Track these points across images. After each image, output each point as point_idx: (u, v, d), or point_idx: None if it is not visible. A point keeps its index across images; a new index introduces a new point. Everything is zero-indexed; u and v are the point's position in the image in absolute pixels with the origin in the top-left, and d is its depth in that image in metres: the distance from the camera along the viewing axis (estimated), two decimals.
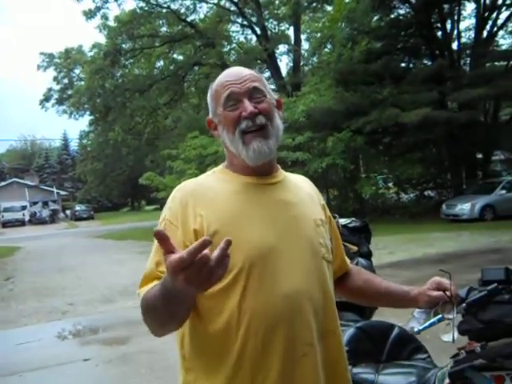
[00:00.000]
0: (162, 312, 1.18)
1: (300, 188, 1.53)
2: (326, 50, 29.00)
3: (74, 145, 68.46)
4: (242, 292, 1.28)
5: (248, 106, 1.37)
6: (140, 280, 1.34)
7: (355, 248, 2.56)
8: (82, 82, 32.84)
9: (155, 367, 5.11)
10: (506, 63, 21.29)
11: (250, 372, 1.27)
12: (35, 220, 48.17)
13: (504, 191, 17.95)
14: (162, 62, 31.58)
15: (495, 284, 1.48)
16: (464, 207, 17.40)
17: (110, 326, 7.07)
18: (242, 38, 32.25)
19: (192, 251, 0.97)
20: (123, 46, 28.73)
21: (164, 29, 29.53)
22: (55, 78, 36.69)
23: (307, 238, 1.40)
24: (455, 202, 18.26)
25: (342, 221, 2.56)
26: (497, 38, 23.58)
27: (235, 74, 1.43)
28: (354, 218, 2.74)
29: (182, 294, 1.08)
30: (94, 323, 7.32)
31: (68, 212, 54.64)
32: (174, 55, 31.26)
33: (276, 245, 1.33)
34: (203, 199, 1.36)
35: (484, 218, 17.07)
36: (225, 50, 29.64)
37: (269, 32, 28.98)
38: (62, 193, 58.00)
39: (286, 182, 1.49)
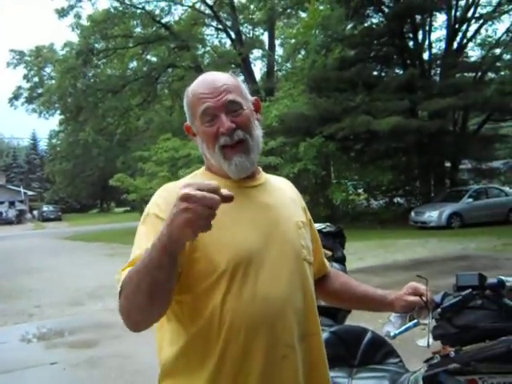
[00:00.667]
0: (144, 285, 1.09)
1: (281, 190, 1.54)
2: (300, 56, 29.19)
3: (43, 144, 67.53)
4: (224, 293, 1.27)
5: (225, 122, 1.34)
6: (122, 267, 1.25)
7: (329, 253, 2.58)
8: (53, 81, 32.38)
9: (124, 371, 5.04)
10: (474, 74, 21.81)
11: (231, 374, 1.27)
12: (1, 220, 47.18)
13: (471, 199, 18.33)
14: (135, 63, 31.40)
15: (469, 290, 1.51)
16: (432, 215, 17.69)
17: (78, 328, 6.95)
18: (216, 42, 32.34)
19: (208, 187, 1.01)
20: (96, 45, 28.47)
21: (138, 30, 29.36)
22: (25, 76, 36.16)
23: (289, 240, 1.41)
24: (423, 210, 18.56)
25: (317, 225, 2.55)
26: (466, 50, 24.15)
27: (210, 85, 1.38)
28: (328, 223, 2.76)
29: (173, 246, 1.05)
30: (61, 326, 7.18)
31: (35, 212, 53.63)
32: (148, 56, 31.11)
33: (259, 248, 1.33)
34: None
35: (451, 225, 17.38)
36: (199, 52, 29.61)
37: (243, 36, 29.09)
38: (30, 193, 56.96)
39: (268, 185, 1.50)
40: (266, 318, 1.29)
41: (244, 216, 1.36)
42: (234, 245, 1.30)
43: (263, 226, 1.37)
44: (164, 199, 1.34)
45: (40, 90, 35.44)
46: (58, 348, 6.19)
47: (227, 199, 1.04)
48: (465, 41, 22.86)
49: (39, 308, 8.47)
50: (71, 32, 28.60)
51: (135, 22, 28.78)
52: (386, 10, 22.21)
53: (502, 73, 22.30)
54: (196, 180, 1.44)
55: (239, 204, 1.35)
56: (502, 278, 1.53)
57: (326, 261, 1.73)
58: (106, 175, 39.80)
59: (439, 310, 1.51)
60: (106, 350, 5.76)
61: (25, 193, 54.50)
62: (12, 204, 51.38)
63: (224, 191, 1.04)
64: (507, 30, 22.31)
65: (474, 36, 23.35)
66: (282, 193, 1.52)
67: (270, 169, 18.43)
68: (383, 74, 23.50)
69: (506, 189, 20.88)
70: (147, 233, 1.28)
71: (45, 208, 51.02)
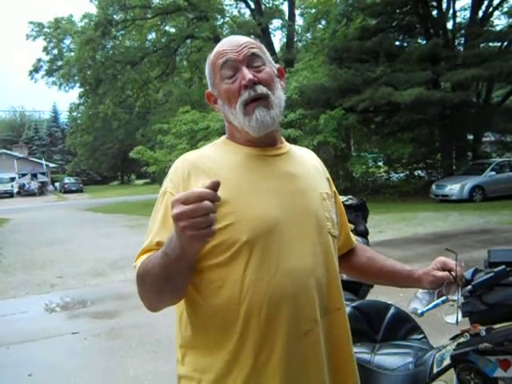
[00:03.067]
0: (161, 276, 1.15)
1: (306, 161, 1.48)
2: (321, 26, 28.78)
3: (63, 117, 67.79)
4: (245, 265, 1.23)
5: (247, 74, 1.30)
6: (137, 253, 1.28)
7: (352, 226, 2.52)
8: (72, 53, 32.27)
9: (145, 341, 5.09)
10: (500, 44, 21.22)
11: (253, 350, 1.24)
12: (24, 192, 47.81)
13: (493, 173, 18.04)
14: (153, 35, 31.17)
15: (503, 266, 1.45)
16: (453, 188, 17.46)
17: (99, 299, 7.03)
18: (235, 12, 31.88)
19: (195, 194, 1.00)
20: (114, 16, 28.26)
21: (156, 0, 29.02)
22: (45, 49, 35.97)
23: (313, 212, 1.36)
24: (445, 183, 18.32)
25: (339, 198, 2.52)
26: (492, 19, 23.46)
27: (232, 41, 1.37)
28: (350, 196, 2.71)
29: (182, 250, 1.07)
30: (83, 296, 7.27)
31: (57, 184, 54.25)
32: (166, 27, 30.82)
33: (281, 218, 1.28)
34: (206, 170, 1.31)
35: (473, 198, 17.15)
36: (218, 23, 29.22)
37: (263, 6, 28.61)
38: (51, 165, 57.45)
39: (292, 155, 1.44)
40: (289, 291, 1.25)
41: (266, 185, 1.31)
42: (254, 215, 1.26)
43: (286, 196, 1.32)
44: (180, 172, 1.32)
45: (60, 63, 35.37)
46: (79, 318, 6.28)
47: (215, 187, 1.02)
48: (491, 9, 22.19)
49: (61, 279, 8.58)
50: (89, 3, 28.43)
51: None
52: None
53: None
54: (216, 149, 1.41)
55: (262, 173, 1.31)
56: None
57: (352, 235, 1.67)
58: (125, 148, 40.03)
59: (470, 286, 1.45)
60: (127, 321, 5.82)
61: (47, 165, 55.00)
62: (34, 176, 51.94)
63: (209, 183, 1.02)
64: None
65: (500, 4, 22.61)
66: (306, 163, 1.47)
67: (290, 141, 18.03)
68: (405, 44, 23.02)
69: None
70: (164, 216, 1.28)
71: (66, 180, 51.57)
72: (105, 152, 52.27)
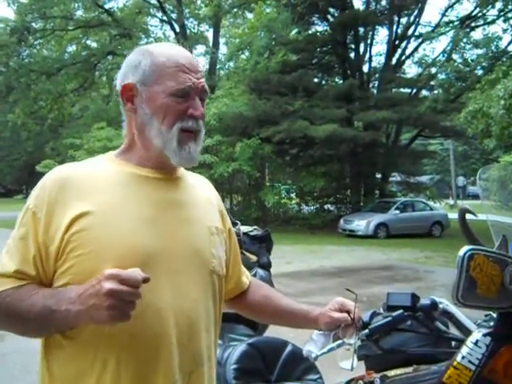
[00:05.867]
0: (34, 324, 1.09)
1: (197, 190, 1.35)
2: (243, 56, 29.19)
3: None
4: None
5: (199, 107, 1.22)
6: None
7: (254, 258, 2.45)
8: None
9: (30, 369, 4.71)
10: (410, 90, 22.56)
11: None
12: None
13: (398, 211, 18.86)
14: (73, 47, 30.33)
15: (401, 310, 1.41)
16: (360, 223, 18.04)
17: None
18: (160, 34, 31.74)
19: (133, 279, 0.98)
20: (33, 24, 27.20)
21: (79, 12, 28.37)
22: None
23: (197, 246, 1.23)
24: (352, 218, 18.91)
25: (244, 228, 2.44)
26: (404, 66, 24.99)
27: (191, 61, 1.23)
28: (256, 227, 2.63)
29: (77, 319, 1.04)
30: None
31: None
32: (88, 41, 30.13)
33: (158, 250, 1.15)
34: (78, 190, 1.15)
35: (378, 235, 17.80)
36: (141, 42, 28.89)
37: (188, 31, 28.71)
38: None
39: (185, 181, 1.32)
40: (153, 337, 1.12)
41: (146, 212, 1.18)
42: (125, 245, 1.12)
43: (167, 226, 1.19)
44: (47, 190, 1.16)
45: None
46: None
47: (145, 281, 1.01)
48: (403, 57, 23.67)
49: None
50: (7, 7, 27.24)
51: (76, 5, 27.77)
52: (331, 19, 22.55)
53: (436, 91, 23.24)
54: (97, 166, 1.25)
55: (144, 196, 1.18)
56: (436, 299, 1.43)
57: (244, 277, 1.53)
58: (33, 160, 38.16)
59: (367, 330, 1.39)
60: (11, 346, 5.37)
61: None
62: None
63: (146, 276, 1.01)
64: (443, 51, 23.24)
65: (412, 53, 24.19)
66: (197, 193, 1.34)
67: (205, 167, 18.25)
68: (323, 82, 23.94)
69: (431, 203, 21.63)
70: (23, 239, 1.14)
71: None
72: (10, 163, 49.63)
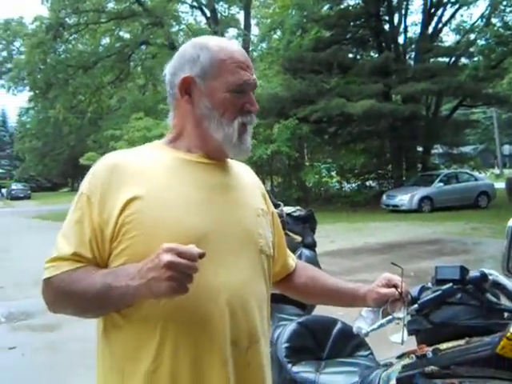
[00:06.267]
0: (94, 303, 1.14)
1: (242, 175, 1.40)
2: (276, 36, 28.99)
3: (12, 121, 65.82)
4: None
5: (255, 103, 1.31)
6: (50, 257, 1.22)
7: (299, 238, 2.46)
8: (22, 56, 31.41)
9: (87, 355, 4.85)
10: (448, 59, 21.91)
11: (169, 372, 1.14)
12: None
13: (441, 184, 18.52)
14: (107, 39, 30.69)
15: (450, 284, 1.40)
16: (403, 198, 17.80)
17: (40, 311, 6.69)
18: (191, 19, 31.77)
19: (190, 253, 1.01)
20: (67, 20, 27.63)
21: (111, 5, 28.60)
22: None
23: (246, 227, 1.27)
24: (395, 193, 18.67)
25: (287, 209, 2.45)
26: (441, 35, 24.25)
27: (246, 57, 1.31)
28: (298, 207, 2.63)
29: (137, 292, 1.07)
30: (22, 308, 6.94)
31: (4, 191, 52.51)
32: (121, 33, 30.43)
33: (210, 231, 1.19)
34: (130, 175, 1.20)
35: (422, 209, 17.54)
36: (173, 30, 29.05)
37: (219, 15, 28.63)
38: None
39: (230, 166, 1.36)
40: (206, 311, 1.16)
41: (197, 195, 1.22)
42: (178, 226, 1.16)
43: (217, 208, 1.24)
44: (99, 175, 1.21)
45: (9, 65, 34.39)
46: (18, 331, 5.99)
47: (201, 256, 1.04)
48: (440, 25, 22.93)
49: (2, 289, 8.22)
50: (41, 5, 27.66)
51: None
52: None
53: (476, 58, 22.49)
54: (146, 152, 1.30)
55: (194, 180, 1.22)
56: (485, 271, 1.42)
57: (290, 258, 1.57)
58: (76, 154, 39.02)
59: (416, 305, 1.39)
60: (69, 334, 5.56)
61: None
62: None
63: (201, 252, 1.04)
64: (482, 16, 22.43)
65: (449, 21, 23.44)
66: (242, 177, 1.39)
67: None
68: (358, 57, 23.50)
69: (476, 173, 21.15)
70: (79, 223, 1.19)
71: (14, 186, 49.90)
72: (55, 158, 50.98)
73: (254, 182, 1.44)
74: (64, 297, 1.18)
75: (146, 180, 1.19)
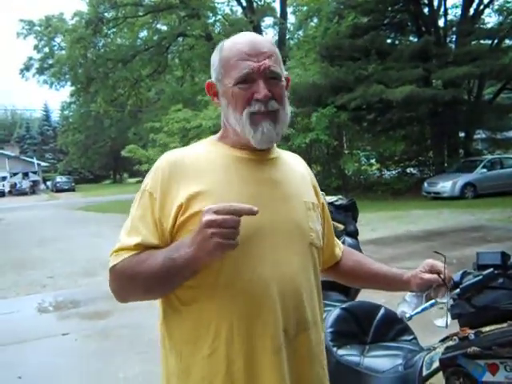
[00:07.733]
0: (160, 279, 1.20)
1: (293, 168, 1.45)
2: (312, 23, 28.72)
3: (55, 116, 67.45)
4: (217, 270, 1.22)
5: (262, 90, 1.28)
6: (114, 248, 1.31)
7: (341, 226, 2.51)
8: (63, 52, 32.08)
9: (136, 342, 5.06)
10: (491, 42, 21.28)
11: (225, 356, 1.22)
12: (15, 191, 47.62)
13: (485, 170, 18.10)
14: (145, 32, 30.99)
15: (491, 269, 1.43)
16: (445, 185, 17.50)
17: (90, 299, 6.98)
18: (227, 10, 31.74)
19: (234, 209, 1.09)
20: (105, 14, 28.06)
21: None
22: (35, 47, 35.77)
23: (296, 220, 1.33)
24: (437, 180, 18.37)
25: (329, 198, 2.50)
26: (483, 16, 23.54)
27: (253, 45, 1.30)
28: (340, 196, 2.69)
29: (195, 257, 1.13)
30: (74, 297, 7.23)
31: (49, 183, 54.04)
32: (158, 25, 30.65)
33: (262, 225, 1.26)
34: (188, 171, 1.29)
35: (465, 196, 17.21)
36: (210, 21, 29.11)
37: (254, 4, 28.54)
38: (43, 164, 57.18)
39: (280, 160, 1.42)
40: (259, 301, 1.23)
41: (250, 190, 1.29)
42: None
43: (269, 203, 1.30)
44: (161, 172, 1.30)
45: (50, 61, 35.16)
46: (70, 319, 6.25)
47: (252, 213, 1.11)
48: (482, 7, 22.23)
49: (52, 279, 8.53)
50: (80, 1, 28.21)
51: None
52: None
53: None
54: (201, 149, 1.38)
55: (247, 177, 1.29)
56: None
57: (337, 249, 1.64)
58: (118, 146, 39.84)
59: (458, 289, 1.43)
60: (118, 321, 5.79)
61: (38, 164, 54.75)
62: (26, 175, 51.73)
63: (247, 206, 1.11)
64: None
65: (491, 2, 22.67)
66: (293, 170, 1.44)
67: (282, 139, 18.23)
68: (397, 42, 23.07)
69: None
70: (142, 216, 1.29)
71: (58, 179, 51.30)
72: (97, 150, 52.10)
73: (304, 174, 1.48)
74: (129, 280, 1.25)
75: (203, 177, 1.27)
